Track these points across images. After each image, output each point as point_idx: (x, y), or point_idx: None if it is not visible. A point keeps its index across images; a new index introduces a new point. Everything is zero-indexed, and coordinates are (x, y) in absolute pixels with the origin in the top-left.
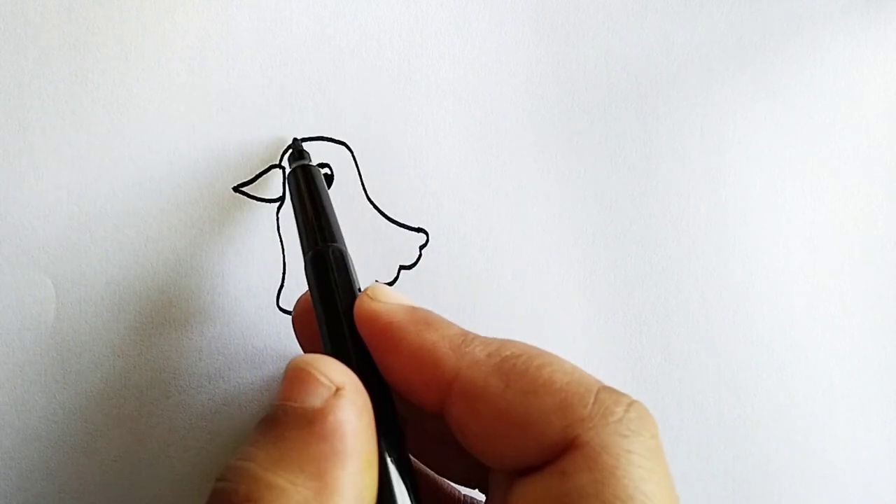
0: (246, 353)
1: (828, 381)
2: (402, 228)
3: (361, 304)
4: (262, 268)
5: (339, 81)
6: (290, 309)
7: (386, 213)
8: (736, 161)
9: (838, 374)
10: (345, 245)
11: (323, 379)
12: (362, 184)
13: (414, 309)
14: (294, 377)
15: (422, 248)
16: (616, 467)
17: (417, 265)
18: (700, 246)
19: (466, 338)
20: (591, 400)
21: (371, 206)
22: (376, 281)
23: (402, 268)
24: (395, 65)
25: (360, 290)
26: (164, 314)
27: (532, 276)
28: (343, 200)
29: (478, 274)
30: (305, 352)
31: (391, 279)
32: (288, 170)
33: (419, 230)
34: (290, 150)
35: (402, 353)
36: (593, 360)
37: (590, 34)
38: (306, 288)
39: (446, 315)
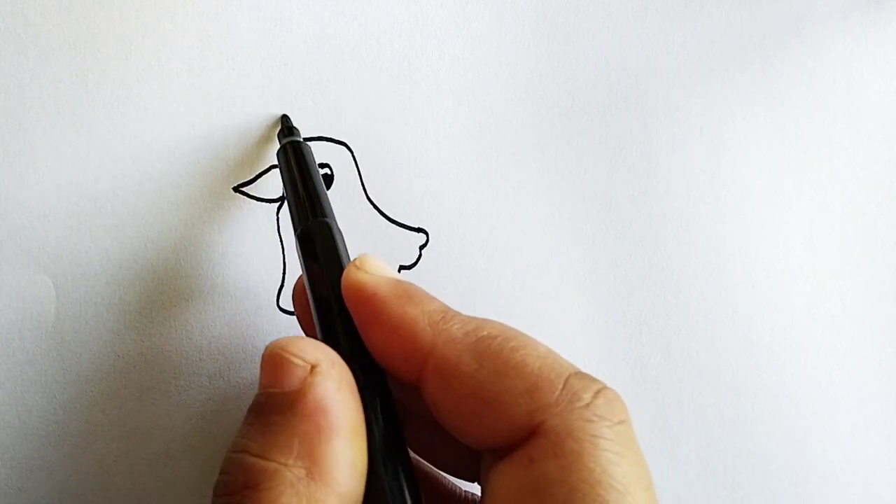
0: (246, 353)
1: (828, 381)
2: (402, 228)
3: (348, 274)
4: (262, 268)
5: (339, 81)
6: (291, 309)
7: (386, 213)
8: (736, 161)
9: (838, 374)
10: (334, 220)
11: (296, 360)
12: (362, 184)
13: (398, 282)
14: (270, 363)
15: (422, 248)
16: (581, 453)
17: (417, 265)
18: (700, 246)
19: (447, 315)
20: (560, 385)
21: (371, 206)
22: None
23: (401, 268)
24: (395, 65)
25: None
26: (164, 314)
27: (532, 276)
28: (343, 200)
29: (478, 274)
30: (305, 332)
31: None
32: (277, 146)
33: (419, 230)
34: (280, 127)
35: (383, 326)
36: (593, 360)
37: (590, 34)
38: None
39: None
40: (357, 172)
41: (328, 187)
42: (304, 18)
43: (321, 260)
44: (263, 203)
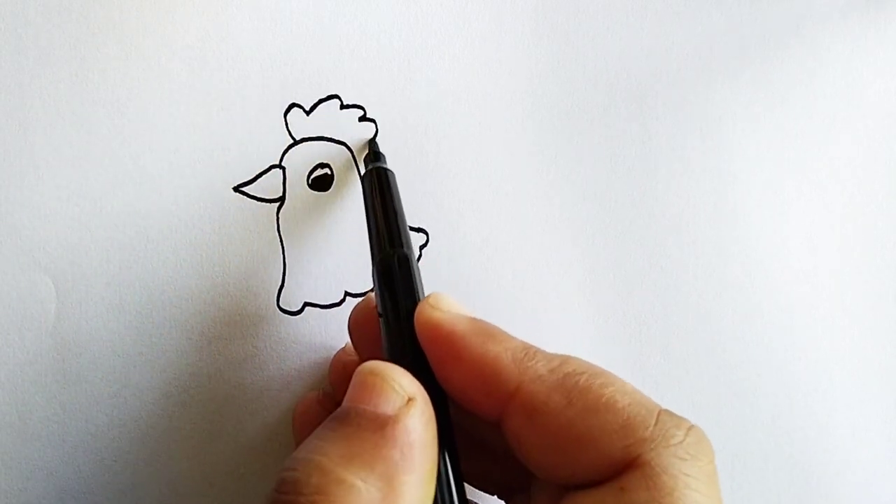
0: (246, 353)
1: (828, 381)
2: None
3: (423, 312)
4: (262, 268)
5: (339, 81)
6: (290, 309)
7: None
8: (736, 161)
9: (838, 374)
10: (412, 251)
11: (396, 387)
12: (362, 184)
13: (475, 320)
14: (367, 382)
15: (422, 248)
16: (674, 488)
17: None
18: (700, 246)
19: (529, 351)
20: (653, 422)
21: None
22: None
23: None
24: (395, 65)
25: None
26: (164, 314)
27: (532, 276)
28: (343, 200)
29: (478, 274)
30: (361, 358)
31: None
32: (363, 170)
33: (419, 230)
34: (367, 152)
35: (464, 364)
36: (593, 360)
37: (590, 34)
38: (306, 288)
39: None
40: (357, 172)
41: (328, 187)
42: (304, 18)
43: (399, 292)
44: (263, 203)
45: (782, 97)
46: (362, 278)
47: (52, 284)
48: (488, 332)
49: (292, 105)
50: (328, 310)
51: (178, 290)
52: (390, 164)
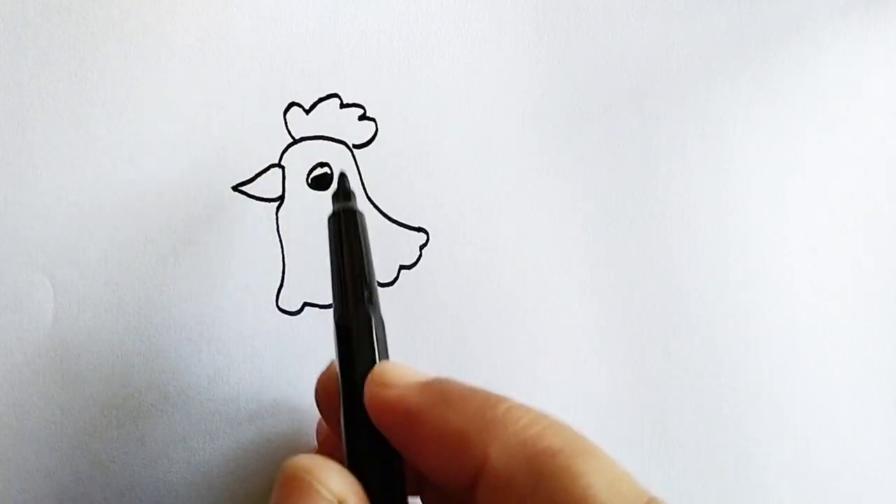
0: (245, 354)
1: (828, 380)
2: (402, 228)
3: (371, 394)
4: (262, 268)
5: (339, 81)
6: (290, 309)
7: (386, 213)
8: (736, 161)
9: (838, 373)
10: (377, 306)
11: (323, 491)
12: (362, 184)
13: (427, 385)
14: (291, 485)
15: (422, 248)
16: None
17: (417, 265)
18: (700, 246)
19: (495, 413)
20: None
21: (371, 206)
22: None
23: (402, 268)
24: (395, 64)
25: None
26: (163, 314)
27: (532, 275)
28: None
29: (478, 274)
30: (324, 417)
31: (391, 279)
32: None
33: (419, 230)
34: (337, 187)
35: (426, 440)
36: (593, 360)
37: (590, 34)
38: (305, 289)
39: (445, 315)
40: (357, 172)
41: (327, 187)
42: (304, 18)
43: (357, 359)
44: (263, 203)
45: (783, 97)
46: None
47: (50, 285)
48: (445, 397)
49: (292, 104)
50: (328, 310)
51: (176, 290)
52: (391, 163)
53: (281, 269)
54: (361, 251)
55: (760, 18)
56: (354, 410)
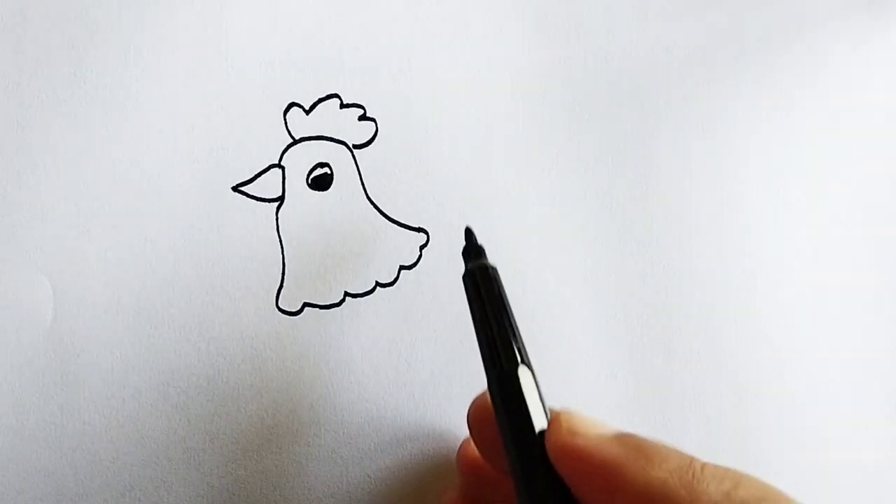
0: (245, 354)
1: (828, 381)
2: (402, 228)
3: (559, 441)
4: (262, 268)
5: (339, 81)
6: (290, 309)
7: (386, 213)
8: (736, 161)
9: (839, 373)
10: (530, 364)
11: None
12: (362, 184)
13: (623, 438)
14: None
15: (422, 248)
16: None
17: (417, 265)
18: (700, 246)
19: (695, 469)
20: None
21: (371, 206)
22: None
23: (402, 268)
24: (395, 65)
25: (547, 413)
26: (162, 315)
27: (533, 276)
28: (343, 200)
29: None
30: (479, 449)
31: (391, 279)
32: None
33: (419, 230)
34: (465, 245)
35: (626, 494)
36: (594, 360)
37: (590, 34)
38: (305, 289)
39: (445, 315)
40: (357, 172)
41: (328, 187)
42: (304, 18)
43: (526, 413)
44: (263, 203)
45: (783, 97)
46: (362, 278)
47: (49, 285)
48: (644, 452)
49: (292, 104)
50: (328, 310)
51: (176, 290)
52: (391, 163)
53: (281, 269)
54: (504, 307)
55: (760, 18)
56: (532, 458)
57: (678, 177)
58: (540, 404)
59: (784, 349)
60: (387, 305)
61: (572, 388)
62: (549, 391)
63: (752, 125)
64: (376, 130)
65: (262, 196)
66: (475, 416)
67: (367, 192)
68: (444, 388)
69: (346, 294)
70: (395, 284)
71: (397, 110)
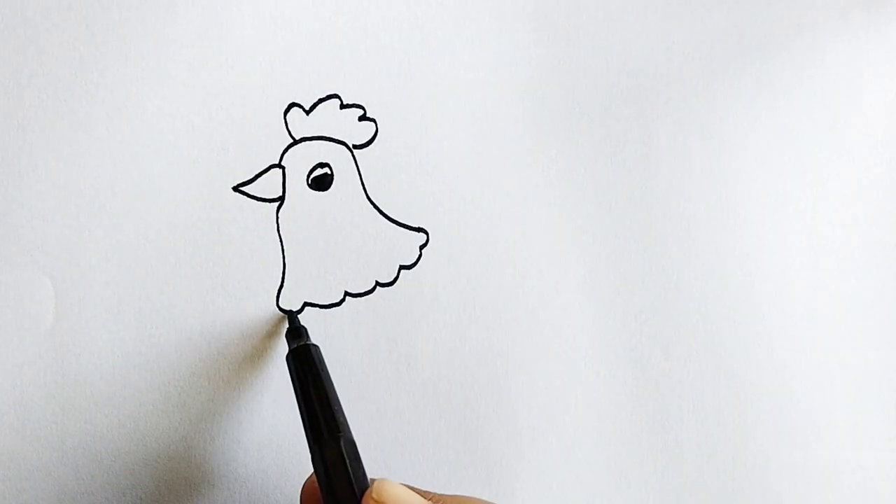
0: (246, 354)
1: (828, 381)
2: (402, 228)
3: None
4: (262, 268)
5: (339, 81)
6: (289, 309)
7: (386, 213)
8: (736, 161)
9: (838, 374)
10: (348, 434)
11: None
12: (362, 184)
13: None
14: None
15: (422, 248)
16: None
17: (417, 265)
18: (700, 246)
19: None
20: None
21: (371, 206)
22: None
23: (401, 268)
24: (395, 65)
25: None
26: (162, 314)
27: (532, 276)
28: (343, 200)
29: (478, 274)
30: None
31: (391, 279)
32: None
33: (419, 230)
34: (289, 326)
35: None
36: (594, 360)
37: (590, 34)
38: (305, 289)
39: (445, 315)
40: (357, 172)
41: (328, 187)
42: (305, 18)
43: (346, 481)
44: (263, 203)
45: (783, 97)
46: (362, 278)
47: (50, 285)
48: None
49: (292, 104)
50: (328, 310)
51: (177, 290)
52: (391, 163)
53: (281, 269)
54: (323, 383)
55: (760, 18)
56: None
57: (678, 177)
58: (360, 474)
59: (783, 349)
60: (387, 305)
61: (572, 388)
62: (548, 390)
63: (752, 125)
64: (376, 130)
65: (263, 196)
66: (307, 490)
67: (367, 192)
68: (444, 388)
69: (346, 294)
70: (395, 284)
71: (397, 110)
